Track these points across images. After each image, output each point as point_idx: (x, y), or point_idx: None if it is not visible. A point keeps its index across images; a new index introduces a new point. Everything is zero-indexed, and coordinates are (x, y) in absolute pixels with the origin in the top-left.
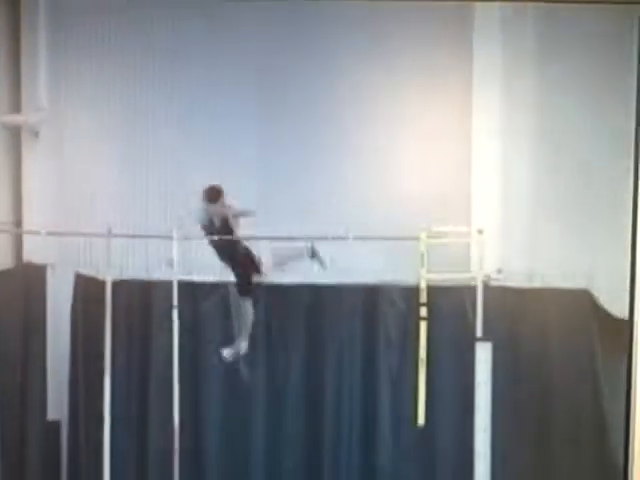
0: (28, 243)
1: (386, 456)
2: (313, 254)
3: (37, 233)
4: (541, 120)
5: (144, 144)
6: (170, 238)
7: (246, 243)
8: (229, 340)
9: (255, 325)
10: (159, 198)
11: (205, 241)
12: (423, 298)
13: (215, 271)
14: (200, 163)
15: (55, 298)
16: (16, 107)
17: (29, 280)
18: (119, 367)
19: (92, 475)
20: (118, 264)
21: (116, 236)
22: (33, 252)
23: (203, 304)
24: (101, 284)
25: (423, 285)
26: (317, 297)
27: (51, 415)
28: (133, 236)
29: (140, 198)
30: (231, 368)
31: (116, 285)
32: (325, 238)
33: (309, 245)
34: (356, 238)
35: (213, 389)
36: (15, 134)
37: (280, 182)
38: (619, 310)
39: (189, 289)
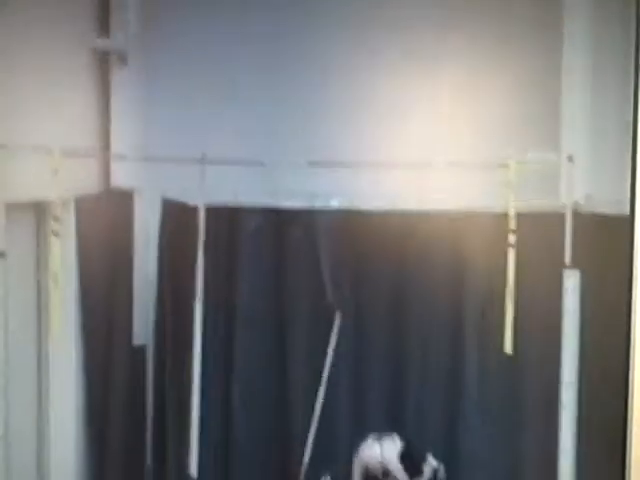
0: (116, 169)
1: (473, 385)
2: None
3: (124, 158)
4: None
5: (232, 81)
6: (260, 164)
7: None
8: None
9: (348, 252)
10: (244, 129)
11: (294, 168)
12: (512, 225)
13: (302, 198)
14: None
15: (143, 224)
16: (105, 32)
17: (116, 205)
18: (207, 295)
19: (177, 400)
20: (206, 191)
21: (209, 163)
22: (121, 178)
23: (290, 230)
24: (189, 210)
25: (512, 212)
26: (404, 224)
27: (137, 340)
28: (224, 162)
29: (226, 131)
30: (319, 298)
31: (206, 211)
32: (412, 165)
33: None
34: (443, 164)
35: (301, 319)
36: (104, 59)
37: (365, 108)
38: None
39: (276, 214)
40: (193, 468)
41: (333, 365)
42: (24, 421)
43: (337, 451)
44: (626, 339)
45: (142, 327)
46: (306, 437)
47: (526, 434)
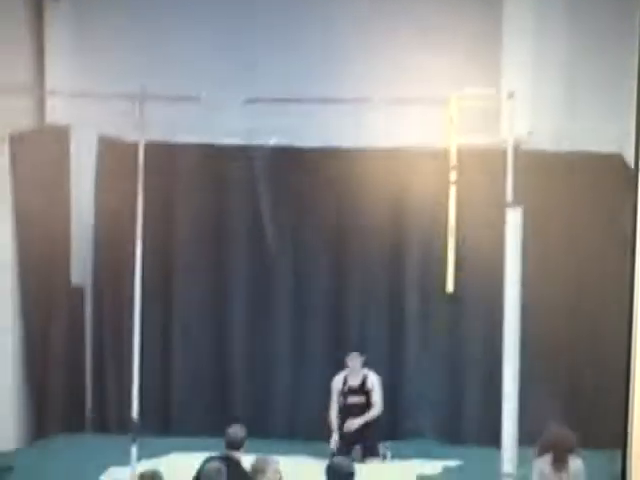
0: (51, 105)
1: (414, 325)
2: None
3: (60, 94)
4: None
5: (166, 19)
6: (196, 100)
7: None
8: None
9: (287, 191)
10: (182, 65)
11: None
12: (453, 161)
13: (241, 135)
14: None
15: (78, 161)
16: None
17: (51, 142)
18: (145, 234)
19: (115, 340)
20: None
21: (143, 98)
22: (56, 115)
23: (228, 167)
24: (126, 146)
25: (453, 149)
26: (343, 162)
27: (75, 280)
28: (162, 97)
29: (161, 66)
30: (257, 229)
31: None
32: (355, 100)
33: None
34: (385, 101)
35: (239, 252)
36: None
37: (310, 47)
38: None
39: (215, 152)
40: (134, 411)
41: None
42: None
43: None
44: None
45: (79, 268)
46: (244, 377)
47: (469, 372)
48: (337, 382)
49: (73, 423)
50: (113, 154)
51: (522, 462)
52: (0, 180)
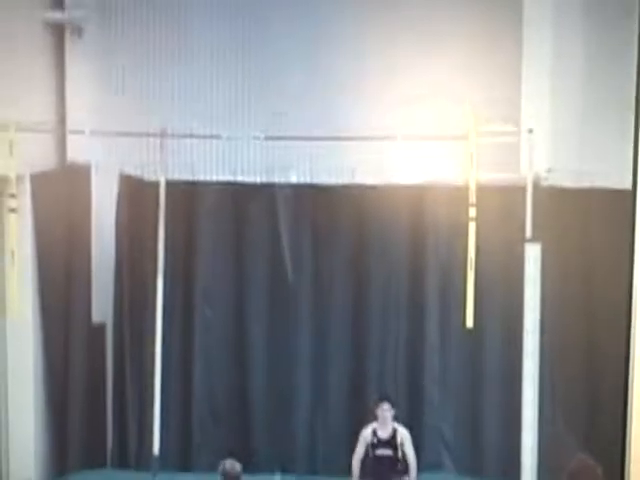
0: (72, 144)
1: (435, 359)
2: None
3: (81, 132)
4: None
5: (187, 49)
6: (217, 138)
7: None
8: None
9: (307, 227)
10: (202, 102)
11: (251, 141)
12: (472, 199)
13: (261, 172)
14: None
15: (100, 199)
16: (59, 3)
17: (73, 180)
18: (166, 272)
19: (136, 376)
20: (163, 165)
21: (168, 136)
22: (77, 153)
23: (248, 205)
24: (147, 185)
25: (472, 185)
26: (364, 198)
27: (96, 318)
28: (183, 136)
29: (184, 102)
30: (277, 265)
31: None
32: (374, 138)
33: None
34: (405, 138)
35: (259, 290)
36: (58, 32)
37: (327, 79)
38: None
39: (233, 190)
40: (156, 447)
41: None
42: None
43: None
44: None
45: (101, 305)
46: (264, 410)
47: (488, 406)
48: (366, 433)
49: (94, 459)
50: (134, 193)
51: None
52: (21, 219)
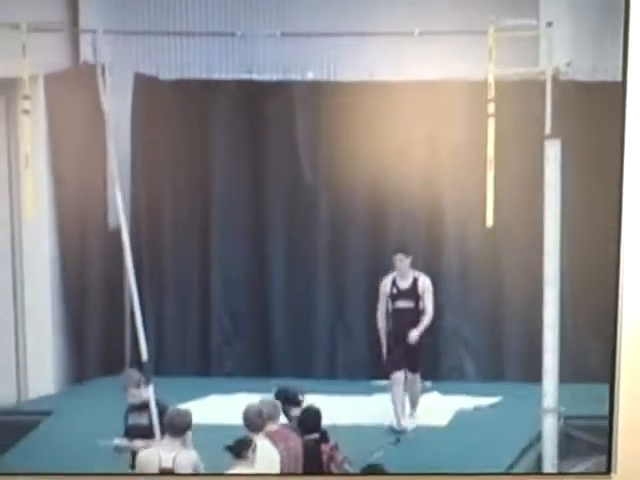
0: (85, 44)
1: (455, 258)
2: None
3: (94, 32)
4: None
5: None
6: (232, 35)
7: None
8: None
9: (323, 124)
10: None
11: (267, 41)
12: (491, 94)
13: (277, 70)
14: None
15: (114, 100)
16: None
17: (86, 81)
18: (179, 170)
19: (155, 281)
20: (178, 64)
21: (178, 34)
22: (90, 53)
23: (264, 103)
24: (161, 84)
25: (491, 80)
26: (381, 95)
27: (113, 224)
28: (194, 34)
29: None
30: (294, 162)
31: (176, 84)
32: (391, 34)
33: None
34: (422, 33)
35: (276, 191)
36: None
37: None
38: None
39: (249, 88)
40: (144, 353)
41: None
42: None
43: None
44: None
45: (116, 210)
46: (283, 313)
47: (508, 308)
48: (385, 285)
49: (112, 366)
50: (149, 92)
51: (563, 398)
52: (35, 121)
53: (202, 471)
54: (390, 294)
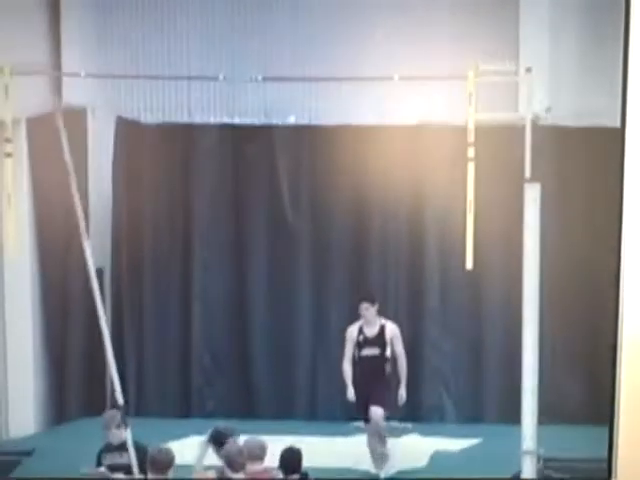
0: (68, 87)
1: (435, 300)
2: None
3: (77, 75)
4: None
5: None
6: (214, 79)
7: None
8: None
9: (305, 168)
10: (203, 43)
11: (248, 85)
12: (471, 138)
13: (259, 115)
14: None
15: (96, 143)
16: None
17: (69, 124)
18: (161, 212)
19: (135, 321)
20: (160, 107)
21: (161, 78)
22: (73, 96)
23: (246, 147)
24: (143, 128)
25: (471, 125)
26: (362, 139)
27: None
28: (177, 78)
29: (181, 43)
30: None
31: (158, 129)
32: (372, 79)
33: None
34: (402, 78)
35: (258, 231)
36: None
37: (322, 25)
38: None
39: (231, 132)
40: (119, 395)
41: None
42: None
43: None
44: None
45: (99, 250)
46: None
47: (488, 350)
48: (352, 332)
49: (93, 406)
50: (131, 136)
51: (541, 440)
52: (17, 163)
53: None
54: (357, 342)
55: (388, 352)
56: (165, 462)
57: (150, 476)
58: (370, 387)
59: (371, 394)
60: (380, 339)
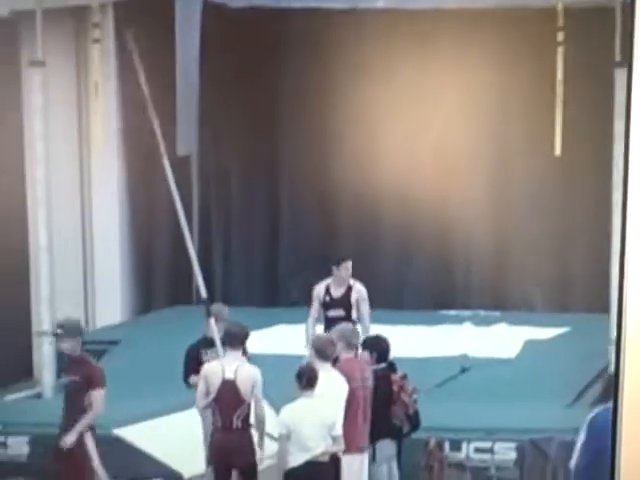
0: None
1: (521, 187)
2: None
3: None
4: None
5: None
6: None
7: None
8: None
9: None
10: None
11: None
12: (560, 22)
13: None
14: None
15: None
16: None
17: (156, 8)
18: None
19: (222, 213)
20: None
21: None
22: None
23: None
24: (231, 11)
25: (560, 8)
26: (451, 24)
27: (181, 151)
28: None
29: None
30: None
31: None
32: None
33: None
34: None
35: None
36: None
37: None
38: None
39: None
40: (202, 290)
41: None
42: (68, 236)
43: None
44: None
45: (186, 136)
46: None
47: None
48: (318, 291)
49: (179, 296)
50: (219, 20)
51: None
52: (104, 50)
53: (261, 387)
54: (323, 302)
55: (354, 314)
56: (240, 335)
57: (229, 352)
58: None
59: None
60: (345, 300)
